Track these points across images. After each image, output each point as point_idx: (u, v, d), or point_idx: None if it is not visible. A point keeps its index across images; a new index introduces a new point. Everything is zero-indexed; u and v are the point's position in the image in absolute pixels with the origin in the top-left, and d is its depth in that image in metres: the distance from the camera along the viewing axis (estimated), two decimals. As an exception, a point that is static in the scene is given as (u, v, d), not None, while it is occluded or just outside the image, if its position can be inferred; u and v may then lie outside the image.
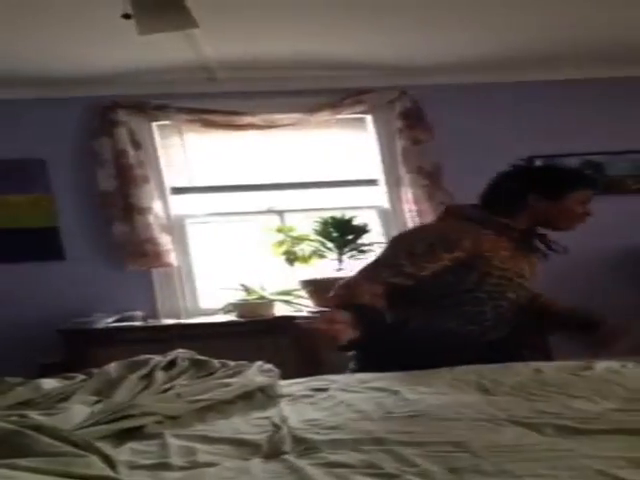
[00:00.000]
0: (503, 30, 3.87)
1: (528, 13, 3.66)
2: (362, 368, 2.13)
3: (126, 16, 2.42)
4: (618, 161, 4.52)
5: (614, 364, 1.85)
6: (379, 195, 4.53)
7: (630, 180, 4.52)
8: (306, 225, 4.18)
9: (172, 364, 1.85)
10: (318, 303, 3.88)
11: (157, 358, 1.86)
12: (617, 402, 1.48)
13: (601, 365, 1.83)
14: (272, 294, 4.06)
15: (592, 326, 2.28)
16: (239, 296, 4.02)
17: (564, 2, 3.54)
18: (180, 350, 1.94)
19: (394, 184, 4.46)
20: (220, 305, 4.07)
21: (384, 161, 4.51)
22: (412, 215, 4.31)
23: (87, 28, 3.46)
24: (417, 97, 4.37)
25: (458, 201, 4.08)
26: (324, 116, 4.38)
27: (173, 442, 1.36)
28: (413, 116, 4.36)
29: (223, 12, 3.35)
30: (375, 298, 2.03)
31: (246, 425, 1.47)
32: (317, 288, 3.81)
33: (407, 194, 4.35)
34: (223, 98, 4.31)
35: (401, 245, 2.27)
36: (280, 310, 4.00)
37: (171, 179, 4.40)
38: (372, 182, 4.55)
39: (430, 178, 4.29)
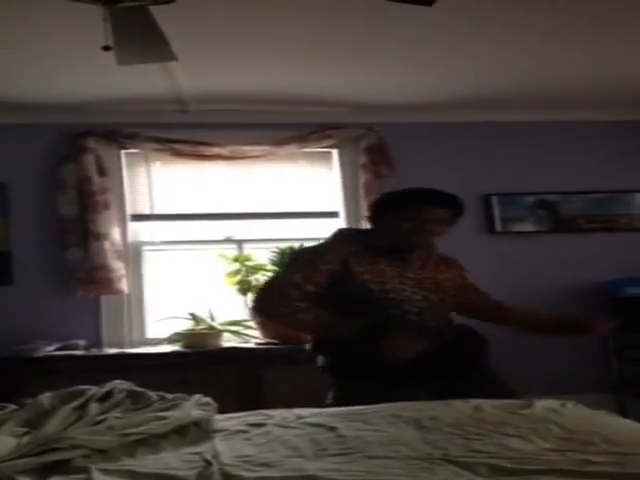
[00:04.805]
0: (465, 73, 3.97)
1: (490, 58, 3.76)
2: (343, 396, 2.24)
3: (106, 48, 2.43)
4: (571, 201, 4.60)
5: (554, 403, 1.85)
6: (340, 227, 4.53)
7: (582, 219, 4.60)
8: (265, 255, 4.16)
9: (108, 395, 1.80)
10: (266, 334, 3.85)
11: (93, 389, 1.81)
12: (553, 442, 1.47)
13: (540, 404, 1.83)
14: (221, 324, 4.02)
15: (580, 327, 2.49)
16: (188, 325, 3.98)
17: (524, 49, 3.63)
18: (117, 381, 1.89)
19: (354, 217, 4.48)
20: (168, 335, 4.00)
21: (346, 194, 4.54)
22: (369, 247, 4.31)
23: (63, 56, 3.48)
24: (382, 134, 4.43)
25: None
26: (291, 149, 4.42)
27: (98, 477, 1.32)
28: (377, 152, 4.41)
29: (199, 46, 3.40)
30: None
31: (176, 460, 1.43)
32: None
33: (366, 227, 4.35)
34: (193, 129, 4.33)
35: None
36: (228, 341, 3.96)
37: (133, 206, 4.38)
38: (333, 214, 4.56)
39: (389, 212, 4.31)
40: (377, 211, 2.58)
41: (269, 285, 2.51)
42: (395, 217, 2.46)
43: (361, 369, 2.23)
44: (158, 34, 2.46)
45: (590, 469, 1.25)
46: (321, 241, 2.63)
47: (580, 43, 3.58)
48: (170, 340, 3.96)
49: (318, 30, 3.32)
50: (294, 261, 2.61)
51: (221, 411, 1.86)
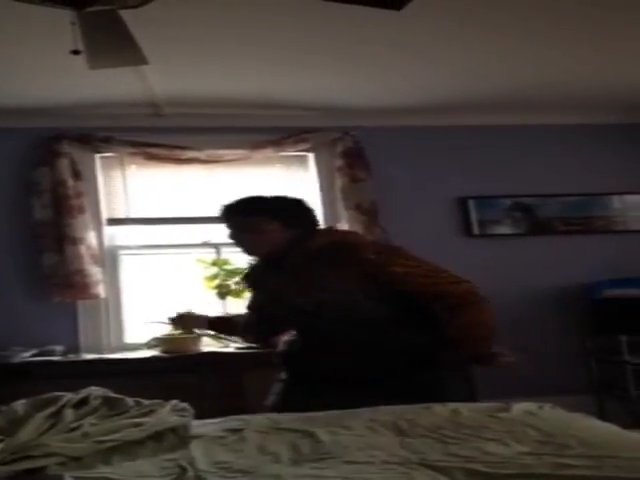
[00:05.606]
0: (441, 77, 4.00)
1: (465, 62, 3.79)
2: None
3: (75, 52, 2.41)
4: (547, 203, 4.64)
5: (531, 406, 1.85)
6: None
7: (558, 222, 4.64)
8: (243, 259, 4.13)
9: (84, 402, 1.78)
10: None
11: (68, 395, 1.78)
12: (530, 445, 1.47)
13: (518, 407, 1.83)
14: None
15: None
16: (166, 330, 3.94)
17: (500, 53, 3.67)
18: (93, 387, 1.86)
19: (332, 220, 4.47)
20: (146, 340, 3.96)
21: (323, 198, 4.54)
22: (348, 251, 4.32)
23: (35, 60, 3.45)
24: (359, 137, 4.44)
25: (392, 237, 4.11)
26: (267, 153, 4.41)
27: (73, 485, 1.30)
28: (354, 155, 4.43)
29: (172, 49, 3.40)
30: None
31: (152, 467, 1.41)
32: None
33: (345, 230, 4.37)
34: (168, 133, 4.32)
35: None
36: (208, 346, 3.95)
37: (109, 210, 4.35)
38: (310, 218, 4.55)
39: (367, 215, 4.34)
40: None
41: None
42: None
43: (306, 370, 2.30)
44: (128, 38, 2.45)
45: (566, 473, 1.25)
46: None
47: (559, 47, 3.61)
48: (149, 345, 3.92)
49: (294, 34, 3.33)
50: None
51: (201, 416, 1.85)
